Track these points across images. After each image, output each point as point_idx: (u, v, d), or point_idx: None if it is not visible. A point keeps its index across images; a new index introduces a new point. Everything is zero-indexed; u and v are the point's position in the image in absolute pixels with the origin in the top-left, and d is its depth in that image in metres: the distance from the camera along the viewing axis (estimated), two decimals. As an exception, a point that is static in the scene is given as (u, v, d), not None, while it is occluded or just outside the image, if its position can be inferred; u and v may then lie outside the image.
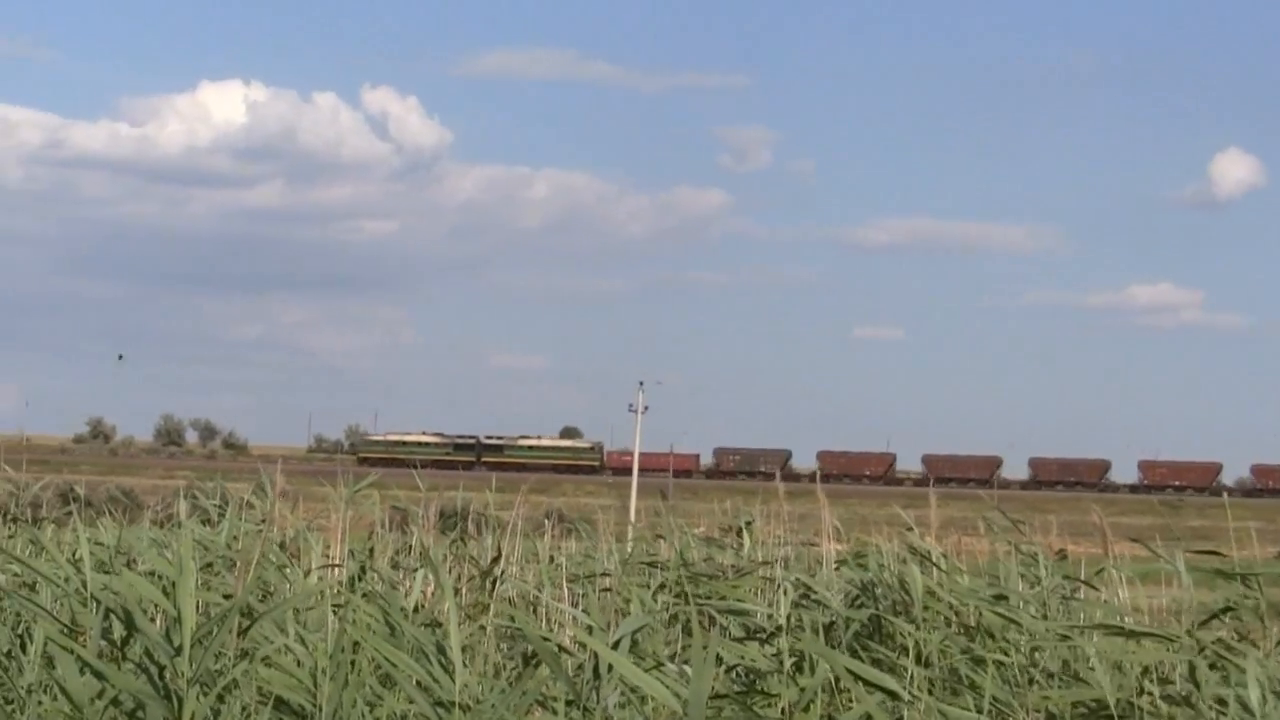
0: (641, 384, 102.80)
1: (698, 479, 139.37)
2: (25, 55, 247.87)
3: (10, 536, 12.14)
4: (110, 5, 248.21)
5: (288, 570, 10.58)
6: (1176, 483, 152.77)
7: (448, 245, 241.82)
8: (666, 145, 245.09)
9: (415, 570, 10.56)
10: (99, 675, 6.99)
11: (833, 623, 10.08)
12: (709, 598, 10.44)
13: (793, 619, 9.76)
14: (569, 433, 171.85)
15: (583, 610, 8.70)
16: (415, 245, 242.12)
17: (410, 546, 11.74)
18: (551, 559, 12.16)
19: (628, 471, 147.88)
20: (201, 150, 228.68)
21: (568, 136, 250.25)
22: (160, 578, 8.46)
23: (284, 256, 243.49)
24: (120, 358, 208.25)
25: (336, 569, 10.23)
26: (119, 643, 7.83)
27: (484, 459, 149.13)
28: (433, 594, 10.20)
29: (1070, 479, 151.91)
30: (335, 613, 8.46)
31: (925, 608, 9.73)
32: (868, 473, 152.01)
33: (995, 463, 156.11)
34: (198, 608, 7.73)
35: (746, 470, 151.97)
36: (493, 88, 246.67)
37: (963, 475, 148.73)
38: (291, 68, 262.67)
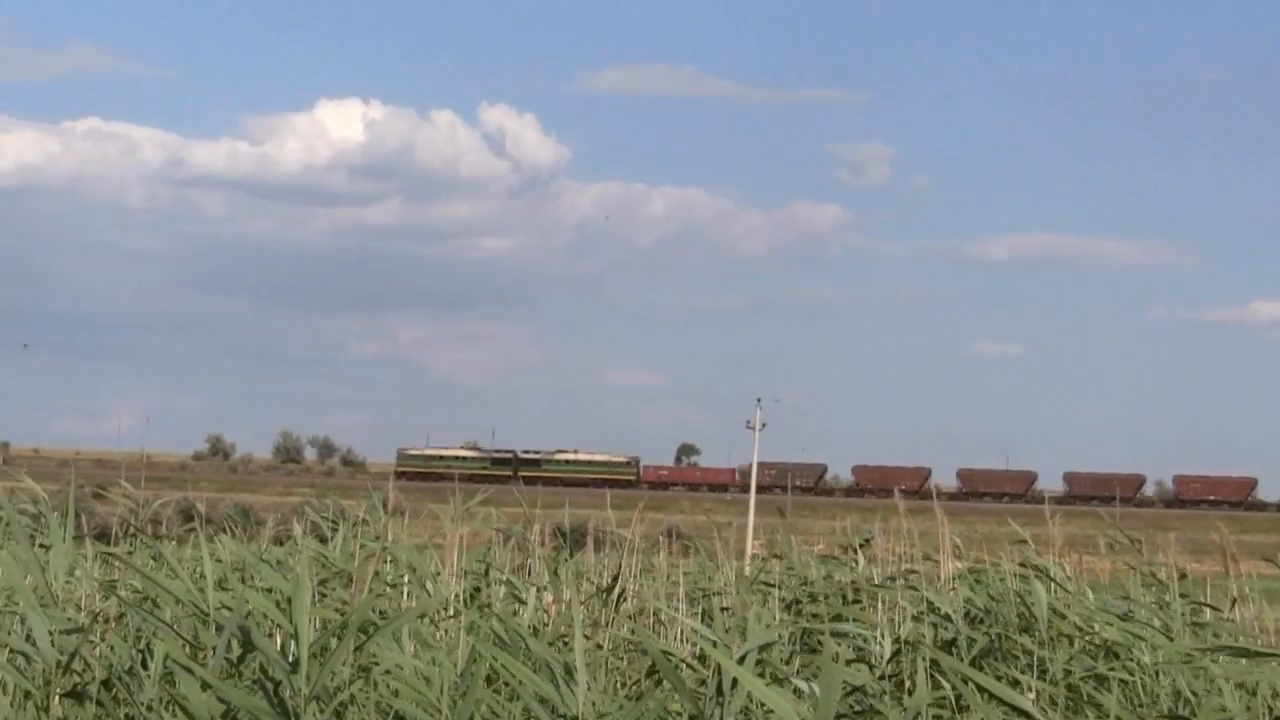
0: (759, 401, 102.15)
1: (734, 493, 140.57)
2: (147, 75, 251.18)
3: (130, 552, 12.18)
4: (231, 25, 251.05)
5: (404, 587, 10.57)
6: (1211, 497, 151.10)
7: (565, 262, 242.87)
8: (783, 161, 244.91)
9: (533, 587, 10.52)
10: (218, 693, 6.97)
11: (954, 639, 9.95)
12: (828, 616, 10.33)
13: (913, 636, 9.63)
14: (686, 450, 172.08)
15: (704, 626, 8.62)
16: (533, 262, 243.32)
17: (527, 563, 11.70)
18: (669, 576, 12.08)
19: (664, 486, 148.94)
20: (320, 168, 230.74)
21: (685, 153, 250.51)
22: (277, 593, 8.45)
23: (402, 274, 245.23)
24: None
25: (453, 585, 10.20)
26: (237, 659, 7.82)
27: (520, 473, 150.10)
28: (553, 610, 10.15)
29: (1106, 494, 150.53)
30: (464, 628, 8.42)
31: (1049, 625, 9.59)
32: (903, 487, 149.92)
33: (1030, 477, 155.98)
34: (315, 624, 7.71)
35: (781, 485, 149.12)
36: (610, 104, 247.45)
37: (997, 490, 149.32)
38: (409, 86, 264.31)
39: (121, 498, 12.29)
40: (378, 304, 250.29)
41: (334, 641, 6.95)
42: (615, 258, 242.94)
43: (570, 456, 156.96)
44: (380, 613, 9.92)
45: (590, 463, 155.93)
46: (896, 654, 9.45)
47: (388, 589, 10.56)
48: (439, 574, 10.69)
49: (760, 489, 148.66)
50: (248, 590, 7.79)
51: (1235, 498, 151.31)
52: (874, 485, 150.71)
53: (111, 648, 8.38)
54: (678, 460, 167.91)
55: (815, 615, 10.78)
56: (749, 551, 15.08)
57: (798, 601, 11.44)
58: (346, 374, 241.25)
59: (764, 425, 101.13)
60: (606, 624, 9.81)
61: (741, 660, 6.81)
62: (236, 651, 7.79)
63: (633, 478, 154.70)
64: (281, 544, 13.15)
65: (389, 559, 11.15)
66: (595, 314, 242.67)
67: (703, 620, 10.42)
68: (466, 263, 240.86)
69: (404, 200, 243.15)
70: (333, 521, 12.76)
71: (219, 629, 7.54)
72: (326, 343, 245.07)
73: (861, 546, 12.87)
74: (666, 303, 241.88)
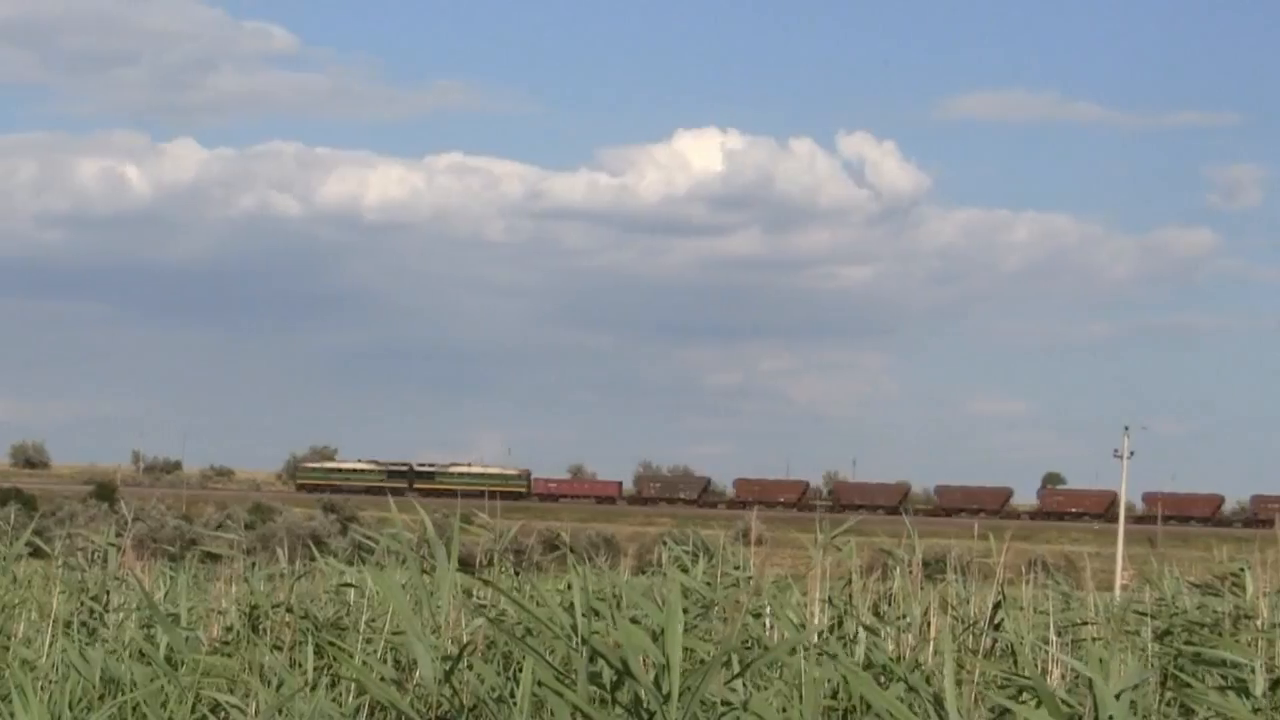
0: (1127, 429, 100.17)
1: (621, 505, 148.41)
2: (508, 109, 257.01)
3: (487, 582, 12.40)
4: (590, 59, 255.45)
5: (766, 617, 10.59)
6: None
7: (927, 290, 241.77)
8: (1152, 185, 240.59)
9: (897, 618, 10.46)
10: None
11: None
12: (1206, 648, 10.08)
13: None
14: (1051, 479, 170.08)
15: (1079, 660, 8.48)
16: (894, 291, 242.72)
17: (892, 594, 11.63)
18: (1035, 608, 11.91)
19: (554, 498, 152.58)
20: (679, 199, 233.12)
21: (1049, 178, 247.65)
22: (649, 623, 8.52)
23: (762, 304, 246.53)
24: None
25: (815, 618, 10.19)
26: (608, 687, 7.91)
27: (415, 485, 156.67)
28: (913, 641, 10.08)
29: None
30: (820, 661, 8.40)
31: None
32: (782, 499, 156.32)
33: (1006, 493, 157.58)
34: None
35: (666, 497, 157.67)
36: (971, 130, 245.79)
37: (974, 506, 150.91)
38: (767, 114, 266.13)
39: (482, 527, 12.54)
40: (737, 334, 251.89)
41: (705, 675, 6.98)
42: (978, 285, 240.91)
43: (464, 469, 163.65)
44: (744, 644, 9.96)
45: (483, 475, 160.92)
46: (1276, 685, 9.18)
47: (750, 619, 10.60)
48: (802, 604, 10.69)
49: (645, 500, 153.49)
50: (624, 621, 7.87)
51: (1202, 514, 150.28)
52: (753, 499, 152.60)
53: (480, 676, 8.55)
54: (1041, 488, 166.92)
55: (1189, 646, 10.53)
56: (1119, 582, 14.78)
57: (1169, 633, 11.19)
58: (706, 404, 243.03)
59: (1132, 454, 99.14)
60: (973, 656, 9.70)
61: (1118, 698, 6.69)
62: (610, 679, 7.87)
63: (524, 490, 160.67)
64: (644, 573, 13.30)
65: (752, 589, 11.19)
66: (957, 342, 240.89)
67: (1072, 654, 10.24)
68: (826, 292, 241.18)
69: (763, 230, 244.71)
70: (693, 552, 12.85)
71: (591, 658, 7.63)
72: (686, 373, 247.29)
73: (1243, 573, 12.52)
74: (1031, 330, 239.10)
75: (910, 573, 10.80)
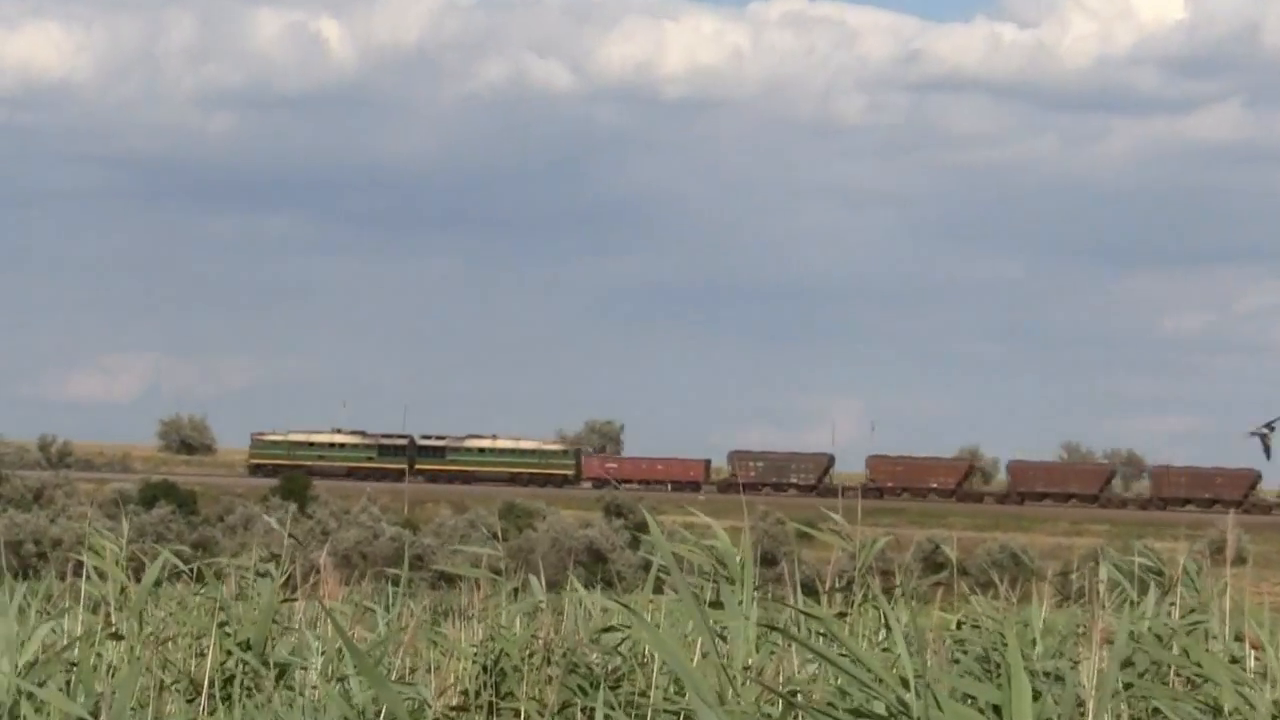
0: None
1: (708, 492, 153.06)
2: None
3: (844, 613, 12.38)
4: None
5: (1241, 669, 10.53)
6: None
7: None
8: None
9: None
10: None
11: None
12: None
13: None
14: None
15: None
16: None
17: None
18: None
19: (608, 483, 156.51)
20: (1119, 61, 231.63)
21: None
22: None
23: (1243, 214, 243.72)
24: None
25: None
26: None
27: (419, 466, 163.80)
28: None
29: None
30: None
31: None
32: (935, 484, 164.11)
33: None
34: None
35: (772, 482, 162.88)
36: None
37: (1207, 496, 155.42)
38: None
39: (836, 536, 12.55)
40: (1205, 258, 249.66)
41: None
42: None
43: (486, 444, 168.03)
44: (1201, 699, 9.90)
45: (513, 452, 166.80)
46: None
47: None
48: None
49: (746, 487, 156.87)
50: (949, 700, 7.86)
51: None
52: (897, 484, 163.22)
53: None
54: None
55: None
56: None
57: None
58: (1157, 358, 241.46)
59: None
60: None
61: None
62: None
63: (569, 472, 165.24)
64: (1064, 603, 13.27)
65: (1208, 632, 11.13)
66: None
67: None
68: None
69: (1246, 105, 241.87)
70: (1142, 573, 12.75)
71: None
72: (1126, 314, 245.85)
73: None
74: None
75: None
